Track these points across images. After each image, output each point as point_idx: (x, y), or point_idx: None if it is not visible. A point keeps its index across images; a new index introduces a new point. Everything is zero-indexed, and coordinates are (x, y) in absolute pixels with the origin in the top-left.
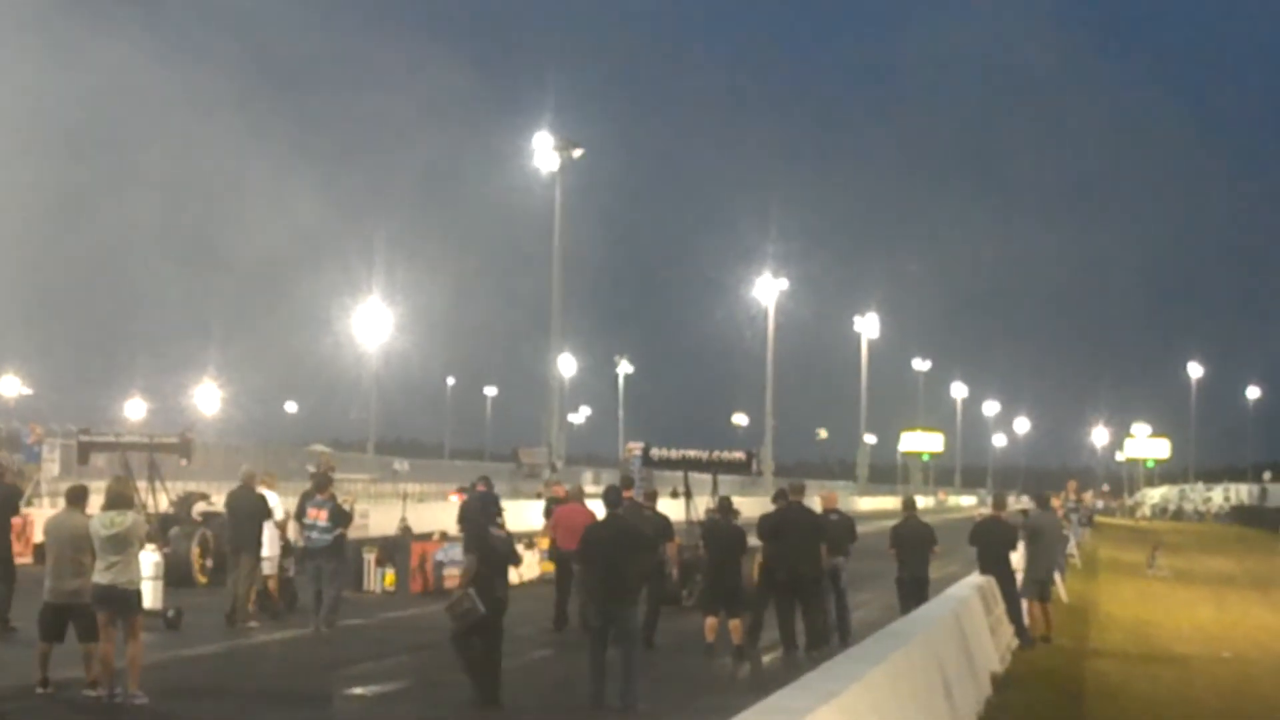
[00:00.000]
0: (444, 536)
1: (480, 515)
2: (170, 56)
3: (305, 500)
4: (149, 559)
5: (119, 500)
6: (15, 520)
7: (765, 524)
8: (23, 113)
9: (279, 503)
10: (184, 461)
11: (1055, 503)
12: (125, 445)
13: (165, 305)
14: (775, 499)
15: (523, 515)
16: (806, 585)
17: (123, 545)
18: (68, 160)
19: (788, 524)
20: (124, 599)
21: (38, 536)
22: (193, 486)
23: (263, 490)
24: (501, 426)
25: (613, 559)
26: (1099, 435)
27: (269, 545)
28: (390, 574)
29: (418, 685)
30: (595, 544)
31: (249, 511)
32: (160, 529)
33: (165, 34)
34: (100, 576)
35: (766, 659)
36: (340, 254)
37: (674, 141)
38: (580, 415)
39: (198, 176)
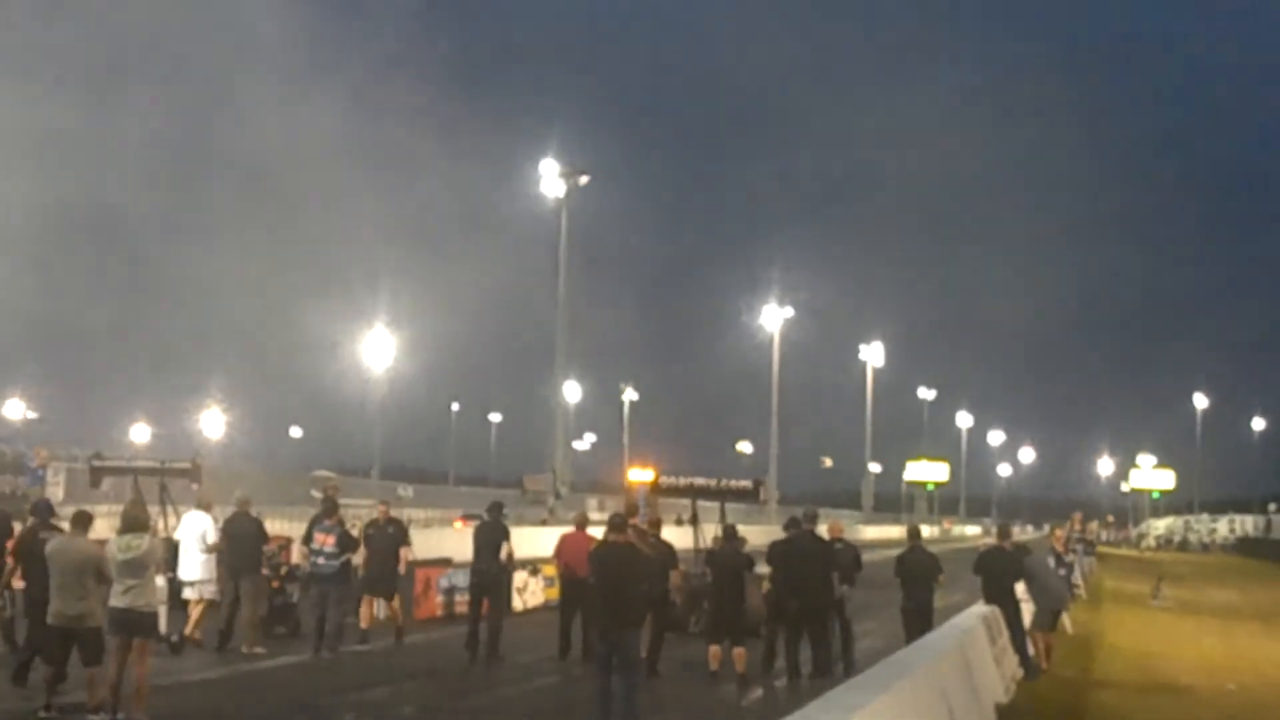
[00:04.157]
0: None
1: (488, 542)
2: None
3: (313, 525)
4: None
5: (135, 524)
6: (10, 543)
7: (775, 551)
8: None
9: (211, 526)
10: (195, 486)
11: (1058, 533)
12: (137, 470)
13: (170, 331)
14: (787, 527)
15: (526, 542)
16: (816, 614)
17: (140, 569)
18: (69, 182)
19: (798, 552)
20: (141, 622)
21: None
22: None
23: (201, 513)
24: (506, 453)
25: (614, 584)
26: (1104, 466)
27: (203, 569)
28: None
29: (421, 712)
30: (597, 568)
31: (247, 536)
32: (171, 553)
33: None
34: (118, 600)
35: (773, 687)
36: (345, 280)
37: (680, 169)
38: (585, 442)
39: (203, 199)
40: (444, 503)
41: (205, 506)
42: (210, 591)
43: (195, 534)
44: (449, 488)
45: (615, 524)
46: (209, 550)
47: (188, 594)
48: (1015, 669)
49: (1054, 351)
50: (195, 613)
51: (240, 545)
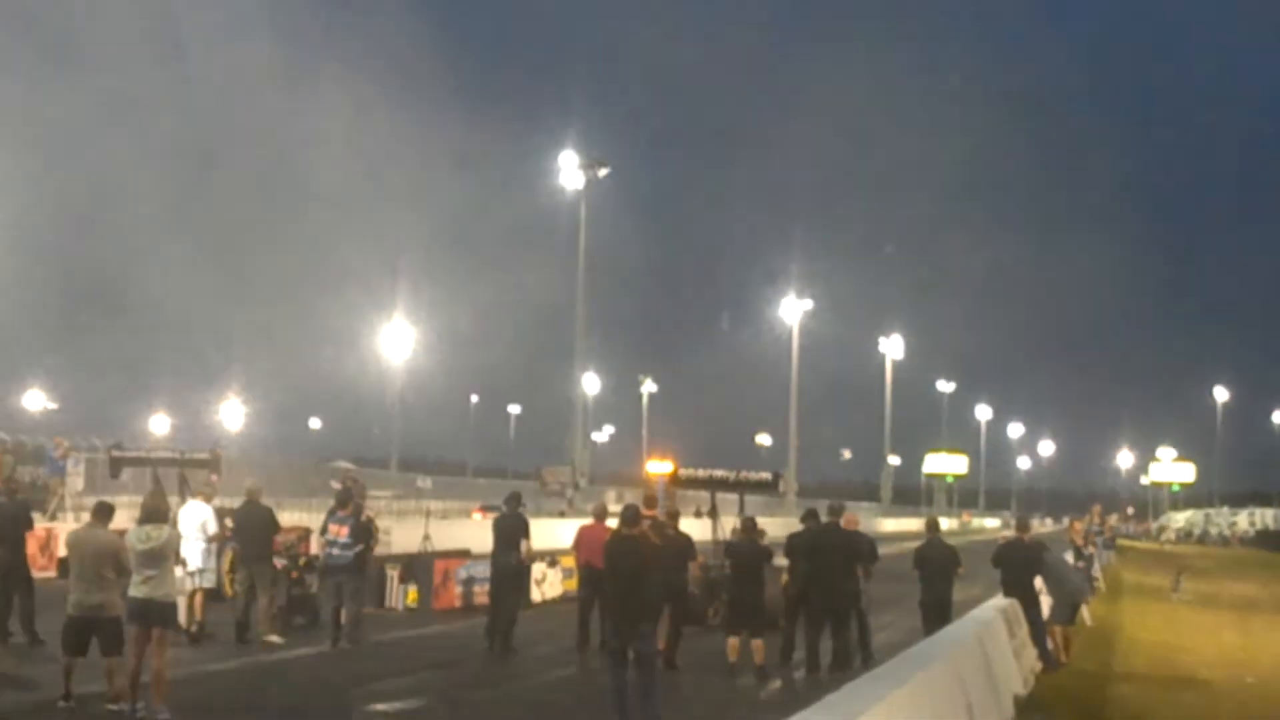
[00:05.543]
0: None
1: (507, 535)
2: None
3: (328, 516)
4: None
5: (154, 514)
6: (39, 533)
7: (797, 544)
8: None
9: (211, 516)
10: (214, 477)
11: (1077, 526)
12: (156, 460)
13: (190, 321)
14: (805, 519)
15: (545, 534)
16: (841, 607)
17: (159, 559)
18: (87, 174)
19: (824, 546)
20: (160, 612)
21: (61, 550)
22: (218, 502)
23: (201, 503)
24: (525, 444)
25: (626, 578)
26: (1124, 458)
27: (202, 559)
28: (413, 591)
29: (439, 703)
30: (609, 562)
31: (259, 526)
32: None
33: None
34: (136, 590)
35: (792, 679)
36: (365, 271)
37: (699, 161)
38: (604, 434)
39: (223, 191)
40: (463, 494)
41: (206, 496)
42: (208, 580)
43: (195, 523)
44: (468, 479)
45: (627, 517)
46: (210, 540)
47: (185, 584)
48: (1034, 662)
49: (1074, 344)
50: (195, 601)
51: (250, 534)
